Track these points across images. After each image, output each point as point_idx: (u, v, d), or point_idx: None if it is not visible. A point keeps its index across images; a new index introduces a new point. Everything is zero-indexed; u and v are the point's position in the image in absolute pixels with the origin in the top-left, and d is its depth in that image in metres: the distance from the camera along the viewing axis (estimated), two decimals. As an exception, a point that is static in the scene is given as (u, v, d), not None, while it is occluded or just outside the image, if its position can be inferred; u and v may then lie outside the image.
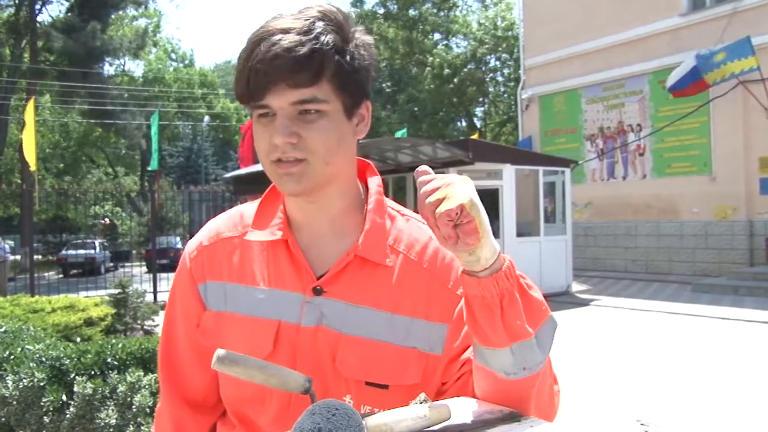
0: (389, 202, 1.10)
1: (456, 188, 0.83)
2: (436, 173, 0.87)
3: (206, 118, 42.12)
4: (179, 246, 24.65)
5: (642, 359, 7.55)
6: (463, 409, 0.90)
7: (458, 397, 0.98)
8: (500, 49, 29.92)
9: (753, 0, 14.30)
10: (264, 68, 0.92)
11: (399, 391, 1.00)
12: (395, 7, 31.62)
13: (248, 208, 1.13)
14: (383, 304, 1.02)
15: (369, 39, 1.01)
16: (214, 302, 1.08)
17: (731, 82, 12.62)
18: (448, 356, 1.02)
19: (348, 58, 0.96)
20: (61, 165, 37.99)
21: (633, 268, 16.50)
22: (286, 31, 0.93)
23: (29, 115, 13.81)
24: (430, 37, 33.18)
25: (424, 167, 0.87)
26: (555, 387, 1.01)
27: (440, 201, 0.83)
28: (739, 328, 9.21)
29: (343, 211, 1.06)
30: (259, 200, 1.12)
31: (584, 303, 11.99)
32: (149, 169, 16.38)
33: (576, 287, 13.78)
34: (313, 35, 0.93)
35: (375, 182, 1.10)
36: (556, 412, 1.01)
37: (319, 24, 0.94)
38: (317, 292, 1.02)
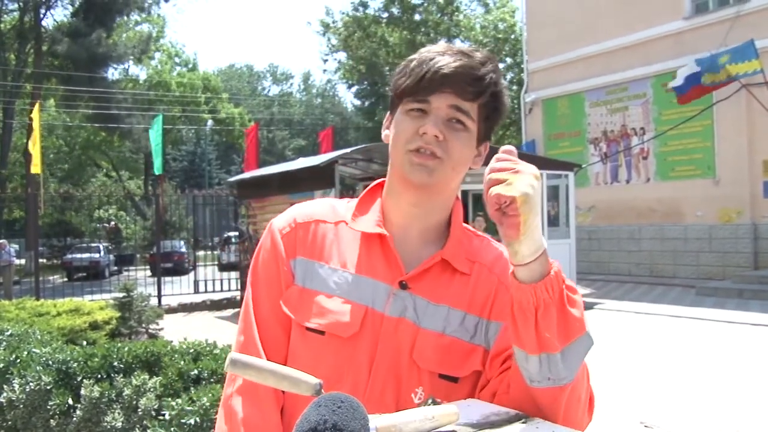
0: (466, 226, 1.22)
1: (520, 179, 0.91)
2: None
3: (210, 122, 42.15)
4: (183, 250, 24.65)
5: (646, 362, 7.54)
6: (470, 410, 0.91)
7: (494, 392, 1.03)
8: (503, 52, 29.92)
9: (756, 3, 14.31)
10: (445, 71, 1.05)
11: (466, 384, 1.09)
12: (399, 11, 31.66)
13: (338, 202, 1.24)
14: (458, 304, 1.11)
15: (508, 99, 1.15)
16: (301, 277, 1.15)
17: (735, 85, 12.59)
18: (494, 351, 1.08)
19: (498, 99, 1.11)
20: (66, 166, 38.07)
21: (637, 271, 16.47)
22: (468, 56, 1.08)
23: (34, 119, 13.86)
24: (434, 41, 33.18)
25: (510, 147, 0.96)
26: (588, 417, 1.06)
27: (500, 181, 0.91)
28: (744, 331, 9.19)
29: (435, 224, 1.16)
30: (358, 196, 1.23)
31: (588, 306, 11.97)
32: (157, 173, 16.36)
33: (580, 291, 13.59)
34: (488, 67, 1.08)
35: (458, 206, 1.20)
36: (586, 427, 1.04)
37: (491, 63, 1.10)
38: (403, 286, 1.10)
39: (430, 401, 0.90)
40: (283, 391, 1.10)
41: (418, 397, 1.06)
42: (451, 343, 1.08)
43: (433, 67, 1.05)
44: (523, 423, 0.88)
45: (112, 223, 30.44)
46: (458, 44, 1.12)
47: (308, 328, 1.10)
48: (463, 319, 1.10)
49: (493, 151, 1.00)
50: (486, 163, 1.01)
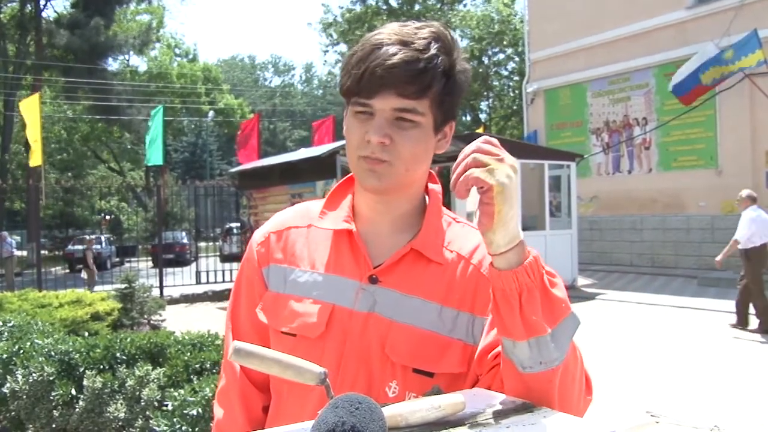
0: (445, 210, 1.19)
1: (502, 169, 0.88)
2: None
3: (211, 113, 42.08)
4: (185, 241, 24.67)
5: (649, 353, 7.54)
6: (476, 399, 0.90)
7: (488, 387, 1.00)
8: (503, 42, 29.80)
9: (760, -8, 14.21)
10: (380, 73, 0.99)
11: (443, 379, 1.04)
12: (398, 2, 31.55)
13: (314, 204, 1.23)
14: (433, 296, 1.08)
15: (468, 66, 1.09)
16: (275, 284, 1.17)
17: (738, 75, 12.52)
18: (482, 347, 1.04)
19: (450, 81, 1.04)
20: (64, 155, 38.02)
21: (639, 262, 16.46)
22: (405, 44, 1.00)
23: (35, 110, 13.82)
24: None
25: (493, 140, 0.91)
26: (588, 397, 1.02)
27: (482, 165, 0.87)
28: (746, 321, 9.18)
29: (406, 213, 1.14)
30: (327, 196, 1.22)
31: (590, 297, 11.97)
32: (150, 164, 16.35)
33: (581, 281, 13.76)
34: (428, 54, 1.01)
35: (435, 189, 1.18)
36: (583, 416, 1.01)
37: (435, 45, 1.02)
38: (373, 280, 1.09)
39: (436, 390, 0.89)
40: (269, 389, 1.19)
41: (392, 391, 1.05)
42: (426, 336, 1.05)
43: (370, 67, 0.99)
44: (530, 412, 0.87)
45: (105, 216, 30.44)
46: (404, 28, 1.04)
47: (282, 332, 1.13)
48: (439, 312, 1.07)
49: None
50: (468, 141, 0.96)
